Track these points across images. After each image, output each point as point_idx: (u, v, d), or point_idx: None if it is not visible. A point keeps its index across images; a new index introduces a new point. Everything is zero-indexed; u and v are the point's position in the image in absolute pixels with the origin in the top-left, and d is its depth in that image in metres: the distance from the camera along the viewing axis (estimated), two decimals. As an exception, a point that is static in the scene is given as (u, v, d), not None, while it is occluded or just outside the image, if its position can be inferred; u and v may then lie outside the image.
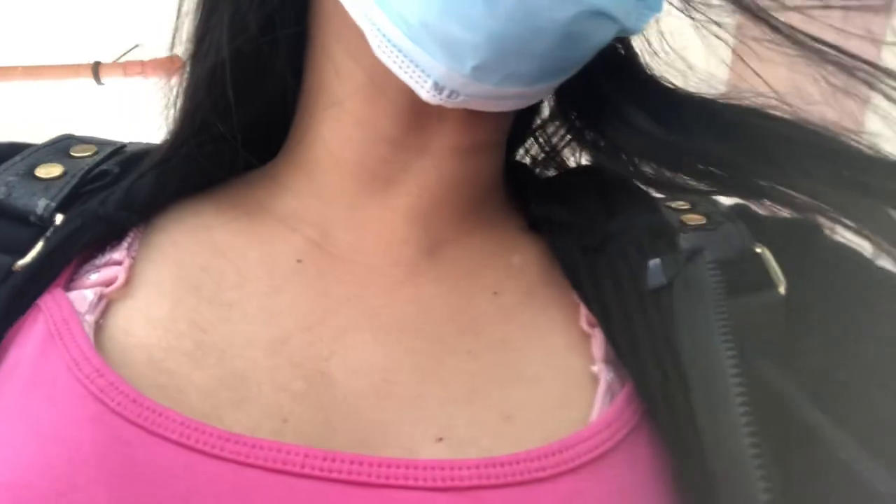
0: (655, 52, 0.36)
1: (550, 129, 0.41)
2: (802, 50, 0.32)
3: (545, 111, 0.40)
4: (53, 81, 1.32)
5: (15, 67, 1.33)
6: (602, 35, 0.28)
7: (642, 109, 0.34)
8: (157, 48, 0.37)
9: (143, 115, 0.39)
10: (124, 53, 1.35)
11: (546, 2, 0.25)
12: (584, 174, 0.38)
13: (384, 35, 0.28)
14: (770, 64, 0.33)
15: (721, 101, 0.34)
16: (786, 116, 0.33)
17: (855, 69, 0.31)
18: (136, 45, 1.36)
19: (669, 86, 0.36)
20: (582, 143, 0.39)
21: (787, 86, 0.33)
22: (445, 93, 0.28)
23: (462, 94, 0.28)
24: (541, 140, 0.41)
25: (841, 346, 0.28)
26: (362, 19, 0.28)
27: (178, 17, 0.35)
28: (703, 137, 0.33)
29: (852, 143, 0.32)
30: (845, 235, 0.32)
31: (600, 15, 0.27)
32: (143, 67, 1.30)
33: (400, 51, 0.28)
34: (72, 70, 1.31)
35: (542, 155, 0.41)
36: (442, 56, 0.27)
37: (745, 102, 0.34)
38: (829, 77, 0.31)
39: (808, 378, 0.27)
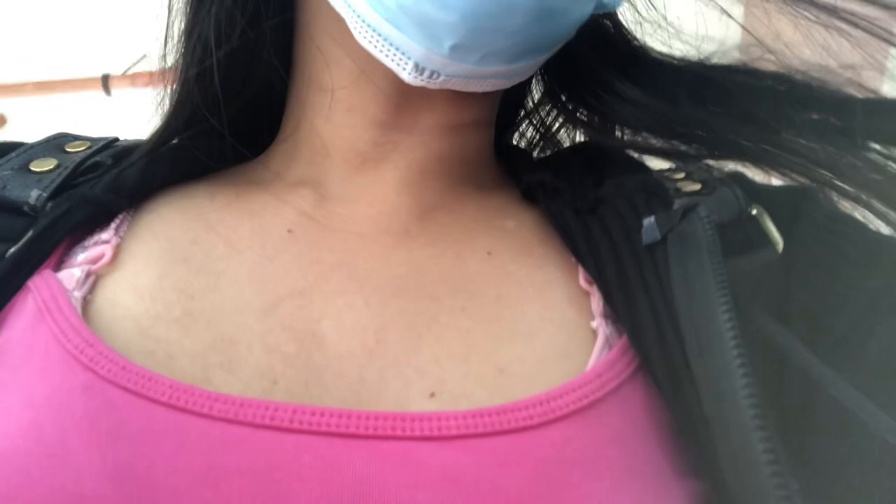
0: (642, 19, 0.36)
1: (543, 112, 0.41)
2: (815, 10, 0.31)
3: (536, 94, 0.41)
4: (64, 95, 1.34)
5: (27, 83, 1.36)
6: (579, 10, 0.29)
7: (629, 81, 0.35)
8: (165, 59, 0.37)
9: (152, 124, 0.40)
10: (132, 65, 1.37)
11: None
12: (575, 149, 0.38)
13: (363, 20, 0.28)
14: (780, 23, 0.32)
15: (707, 62, 0.34)
16: (773, 69, 0.33)
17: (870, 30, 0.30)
18: (144, 57, 1.37)
19: (655, 54, 0.36)
20: (574, 121, 0.39)
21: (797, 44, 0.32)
22: (426, 73, 0.28)
23: (443, 74, 0.29)
24: (535, 122, 0.42)
25: (834, 303, 0.28)
26: (341, 6, 0.29)
27: (167, 27, 0.36)
28: (689, 102, 0.33)
29: (844, 88, 0.31)
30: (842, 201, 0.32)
31: None
32: (151, 78, 1.32)
33: (379, 34, 0.28)
34: (82, 83, 1.34)
35: (538, 136, 0.42)
36: (420, 37, 0.27)
37: (733, 60, 0.33)
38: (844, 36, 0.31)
39: (802, 329, 0.27)
